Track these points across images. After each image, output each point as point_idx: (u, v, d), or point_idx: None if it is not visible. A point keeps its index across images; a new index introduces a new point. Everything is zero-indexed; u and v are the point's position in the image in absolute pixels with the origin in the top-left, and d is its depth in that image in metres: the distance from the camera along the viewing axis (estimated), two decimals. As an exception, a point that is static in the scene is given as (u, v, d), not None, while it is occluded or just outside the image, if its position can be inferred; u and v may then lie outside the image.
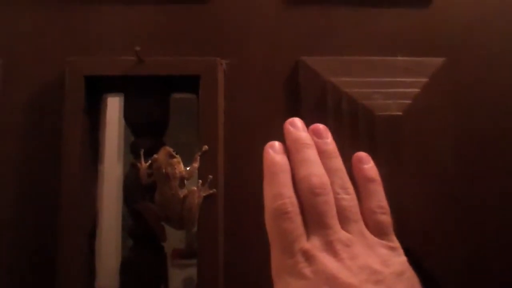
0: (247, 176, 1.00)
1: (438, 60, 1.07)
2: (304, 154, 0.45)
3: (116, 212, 1.19)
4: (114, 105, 1.05)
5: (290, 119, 0.48)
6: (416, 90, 1.04)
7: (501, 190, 1.04)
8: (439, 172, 1.01)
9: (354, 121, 1.00)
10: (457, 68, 1.07)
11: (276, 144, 0.46)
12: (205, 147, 0.95)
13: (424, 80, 1.05)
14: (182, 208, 0.93)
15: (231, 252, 0.97)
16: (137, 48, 0.96)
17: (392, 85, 1.03)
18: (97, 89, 1.03)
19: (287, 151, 0.47)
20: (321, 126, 0.49)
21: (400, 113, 1.00)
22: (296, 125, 0.48)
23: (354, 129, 0.99)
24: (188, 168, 0.95)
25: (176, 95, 1.06)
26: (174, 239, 2.02)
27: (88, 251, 0.99)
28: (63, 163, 0.96)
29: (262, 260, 0.99)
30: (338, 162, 0.47)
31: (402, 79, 1.04)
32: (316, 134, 0.48)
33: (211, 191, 0.94)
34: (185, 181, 0.95)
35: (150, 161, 0.96)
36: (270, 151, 0.46)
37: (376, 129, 0.99)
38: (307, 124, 1.00)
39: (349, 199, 0.44)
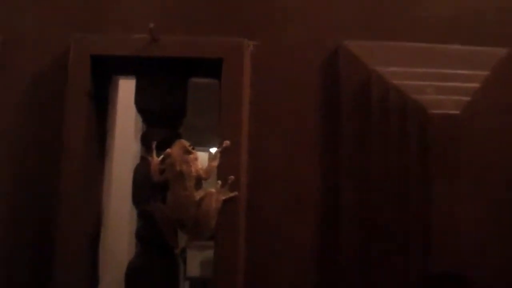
0: (274, 178, 0.87)
1: (502, 51, 0.91)
2: None
3: (127, 212, 1.07)
4: (128, 89, 0.92)
5: None
6: (476, 84, 0.88)
7: None
8: (503, 182, 0.85)
9: (402, 119, 0.86)
10: (524, 59, 0.90)
11: None
12: (226, 143, 0.82)
13: (485, 73, 0.89)
14: (198, 212, 0.80)
15: (253, 266, 0.84)
16: (151, 25, 0.83)
17: (448, 78, 0.88)
18: (105, 70, 0.90)
19: None
20: None
21: (458, 112, 0.85)
22: None
23: (403, 129, 0.85)
24: (206, 167, 0.82)
25: (195, 80, 0.92)
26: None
27: (91, 256, 0.87)
28: (63, 154, 0.84)
29: (288, 275, 0.88)
30: None
31: (460, 71, 0.89)
32: None
33: (232, 194, 0.81)
34: (202, 181, 0.82)
35: (162, 156, 0.83)
36: None
37: (429, 130, 0.84)
38: (348, 121, 0.88)
39: None
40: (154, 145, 0.85)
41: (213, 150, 0.79)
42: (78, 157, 0.84)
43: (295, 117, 0.89)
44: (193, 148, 0.82)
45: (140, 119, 0.91)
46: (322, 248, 0.86)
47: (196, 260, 3.18)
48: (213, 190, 0.81)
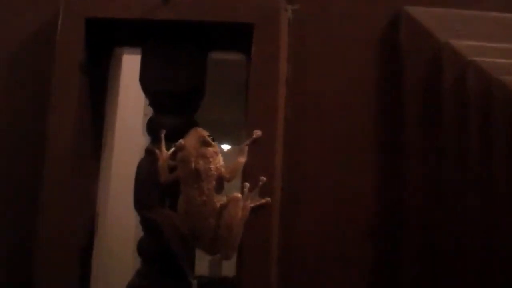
0: (317, 180, 0.69)
1: None
2: None
3: (129, 220, 0.88)
4: (133, 66, 0.74)
5: None
6: None
7: None
8: None
9: (484, 105, 0.67)
10: None
11: None
12: (257, 133, 0.64)
13: None
14: (218, 224, 0.62)
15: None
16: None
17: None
18: (104, 39, 0.74)
19: None
20: None
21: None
22: None
23: (484, 117, 0.66)
24: (230, 164, 0.64)
25: (216, 55, 0.75)
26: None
27: (79, 274, 0.70)
28: (48, 146, 0.67)
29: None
30: None
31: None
32: None
33: (263, 201, 0.63)
34: (224, 183, 0.64)
35: (173, 149, 0.65)
36: None
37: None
38: (413, 108, 0.69)
39: None
40: (163, 134, 0.68)
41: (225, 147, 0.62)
42: (66, 149, 0.67)
43: (344, 102, 0.71)
44: (213, 140, 0.64)
45: (147, 102, 0.73)
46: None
47: (204, 259, 3.09)
48: (238, 194, 0.63)
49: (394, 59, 0.71)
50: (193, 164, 0.62)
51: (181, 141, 0.63)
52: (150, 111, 0.74)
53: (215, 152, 0.63)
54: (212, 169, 0.62)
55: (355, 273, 0.67)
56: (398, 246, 0.67)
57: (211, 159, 0.63)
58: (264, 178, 0.63)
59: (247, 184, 0.63)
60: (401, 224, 0.67)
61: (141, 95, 0.74)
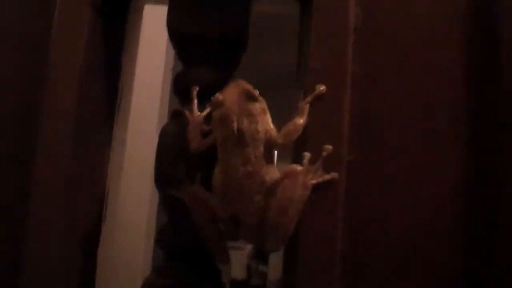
0: (394, 152, 0.53)
1: None
2: None
3: (146, 202, 0.74)
4: (156, 16, 0.60)
5: None
6: None
7: None
8: None
9: None
10: None
11: None
12: (321, 88, 0.50)
13: None
14: (268, 204, 0.48)
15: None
16: None
17: None
18: None
19: None
20: None
21: None
22: None
23: None
24: (285, 126, 0.50)
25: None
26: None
27: (82, 266, 0.57)
28: (47, 107, 0.55)
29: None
30: None
31: None
32: None
33: (327, 176, 0.49)
34: (275, 151, 0.51)
35: (209, 108, 0.51)
36: None
37: None
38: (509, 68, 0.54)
39: None
40: (195, 91, 0.54)
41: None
42: (68, 111, 0.55)
43: (425, 57, 0.56)
44: (260, 94, 0.49)
45: (173, 53, 0.58)
46: None
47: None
48: (297, 167, 0.49)
49: (488, 10, 0.57)
50: (235, 124, 0.47)
51: (218, 95, 0.49)
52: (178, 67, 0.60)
53: (263, 110, 0.49)
54: (259, 130, 0.48)
55: (439, 281, 0.51)
56: (491, 249, 0.51)
57: (258, 118, 0.48)
58: (329, 147, 0.49)
59: (308, 154, 0.49)
60: (496, 223, 0.52)
61: (166, 45, 0.60)
